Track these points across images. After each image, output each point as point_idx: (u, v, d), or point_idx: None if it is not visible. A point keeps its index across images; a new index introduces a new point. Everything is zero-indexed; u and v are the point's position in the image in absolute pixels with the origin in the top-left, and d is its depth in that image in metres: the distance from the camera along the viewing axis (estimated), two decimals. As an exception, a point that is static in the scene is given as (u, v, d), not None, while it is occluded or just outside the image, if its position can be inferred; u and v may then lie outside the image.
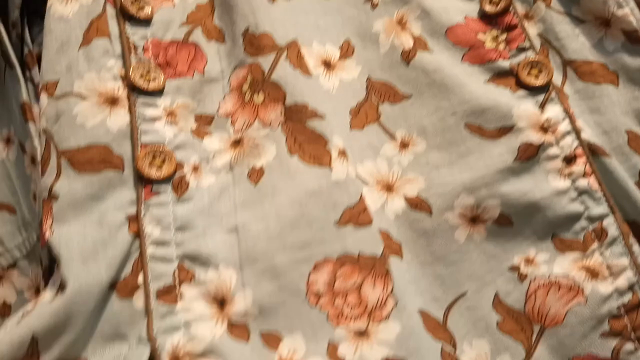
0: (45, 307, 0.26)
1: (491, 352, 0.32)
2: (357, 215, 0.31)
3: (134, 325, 0.27)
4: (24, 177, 0.36)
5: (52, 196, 0.30)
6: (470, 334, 0.33)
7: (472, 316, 0.33)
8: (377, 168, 0.35)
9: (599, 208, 0.32)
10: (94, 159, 0.30)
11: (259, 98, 0.33)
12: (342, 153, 0.32)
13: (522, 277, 0.33)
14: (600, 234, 0.32)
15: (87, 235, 0.28)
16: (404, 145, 0.35)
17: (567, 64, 0.37)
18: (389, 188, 0.34)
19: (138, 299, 0.28)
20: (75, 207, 0.29)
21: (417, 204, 0.34)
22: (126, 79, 0.33)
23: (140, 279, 0.28)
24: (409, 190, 0.34)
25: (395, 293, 0.30)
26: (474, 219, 0.33)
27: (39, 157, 0.32)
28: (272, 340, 0.28)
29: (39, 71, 0.34)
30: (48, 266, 0.31)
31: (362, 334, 0.29)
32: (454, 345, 0.32)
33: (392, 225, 0.33)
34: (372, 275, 0.30)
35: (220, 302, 0.28)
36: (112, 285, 0.28)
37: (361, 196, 0.31)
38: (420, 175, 0.34)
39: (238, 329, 0.28)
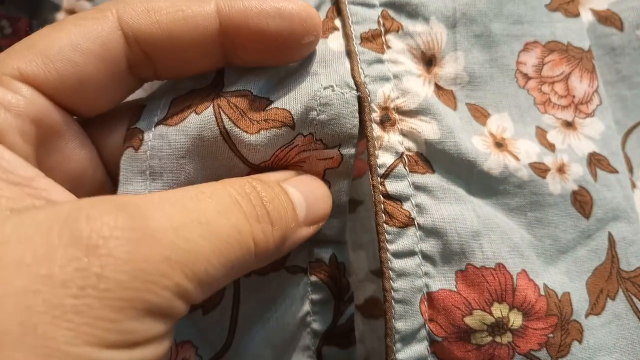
0: None
1: None
2: (566, 3, 0.27)
3: (327, 65, 0.23)
4: None
5: None
6: None
7: None
8: None
9: None
10: None
11: None
12: None
13: None
14: None
15: None
16: None
17: None
18: None
19: (334, 40, 0.24)
20: None
21: (606, 18, 0.31)
22: None
23: (338, 21, 0.24)
24: (598, 3, 0.31)
25: (600, 92, 0.27)
26: (667, 40, 0.30)
27: None
28: (479, 114, 0.25)
29: None
30: None
31: (569, 125, 0.26)
32: (631, 170, 0.30)
33: None
34: (579, 68, 0.27)
35: (428, 60, 0.25)
36: None
37: None
38: None
39: (445, 94, 0.25)
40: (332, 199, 0.23)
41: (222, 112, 0.21)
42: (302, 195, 0.22)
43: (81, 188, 0.20)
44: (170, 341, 0.17)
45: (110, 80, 0.20)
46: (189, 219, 0.17)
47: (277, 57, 0.22)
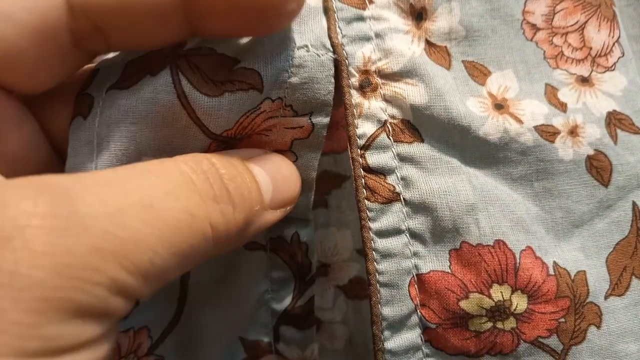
0: None
1: None
2: None
3: (302, 22, 0.20)
4: None
5: None
6: None
7: None
8: None
9: None
10: None
11: None
12: None
13: None
14: None
15: None
16: None
17: None
18: None
19: None
20: None
21: None
22: None
23: None
24: None
25: (622, 43, 0.24)
26: None
27: None
28: (477, 72, 0.22)
29: None
30: None
31: (585, 81, 0.23)
32: None
33: None
34: (597, 16, 0.23)
35: (418, 14, 0.22)
36: None
37: None
38: None
39: (438, 52, 0.22)
40: (300, 174, 0.21)
41: (180, 73, 0.19)
42: (269, 176, 0.19)
43: (24, 173, 0.19)
44: (112, 343, 0.15)
45: (50, 56, 0.18)
46: (129, 202, 0.15)
47: (253, 28, 0.19)
